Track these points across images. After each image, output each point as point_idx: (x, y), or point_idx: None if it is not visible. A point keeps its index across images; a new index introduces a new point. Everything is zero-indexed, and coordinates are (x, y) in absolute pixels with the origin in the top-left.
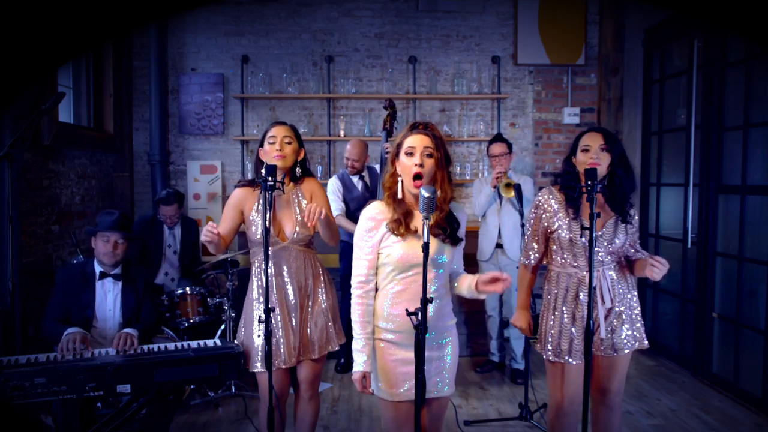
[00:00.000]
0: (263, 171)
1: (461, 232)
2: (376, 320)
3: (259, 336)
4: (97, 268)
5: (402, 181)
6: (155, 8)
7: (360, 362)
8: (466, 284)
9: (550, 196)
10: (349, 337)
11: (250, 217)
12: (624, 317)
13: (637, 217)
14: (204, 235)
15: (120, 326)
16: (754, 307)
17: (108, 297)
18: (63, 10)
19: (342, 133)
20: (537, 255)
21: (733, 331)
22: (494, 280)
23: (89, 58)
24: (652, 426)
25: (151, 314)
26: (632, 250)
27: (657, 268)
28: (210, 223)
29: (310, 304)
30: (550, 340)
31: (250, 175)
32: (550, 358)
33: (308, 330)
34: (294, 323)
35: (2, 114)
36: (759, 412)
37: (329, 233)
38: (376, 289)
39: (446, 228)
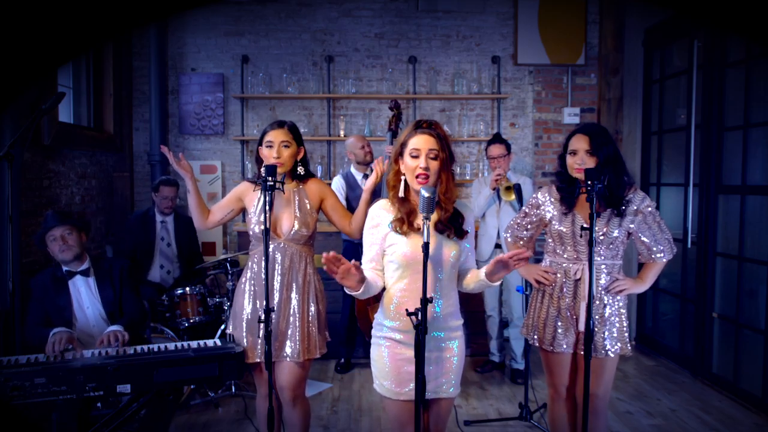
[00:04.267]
0: (263, 171)
1: (468, 228)
2: (382, 319)
3: (245, 333)
4: (64, 269)
5: (405, 181)
6: (155, 8)
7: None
8: (475, 276)
9: (548, 194)
10: (352, 338)
11: (250, 213)
12: (606, 319)
13: (650, 209)
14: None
15: (105, 321)
16: (754, 307)
17: (82, 295)
18: (63, 10)
19: (342, 133)
20: (516, 234)
21: (733, 331)
22: (502, 263)
23: (89, 58)
24: (652, 426)
25: (134, 306)
26: (643, 248)
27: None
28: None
29: (296, 305)
30: (536, 324)
31: (249, 175)
32: (536, 343)
33: (288, 329)
34: (275, 318)
35: (2, 114)
36: (759, 412)
37: (362, 220)
38: (384, 288)
39: (450, 226)
